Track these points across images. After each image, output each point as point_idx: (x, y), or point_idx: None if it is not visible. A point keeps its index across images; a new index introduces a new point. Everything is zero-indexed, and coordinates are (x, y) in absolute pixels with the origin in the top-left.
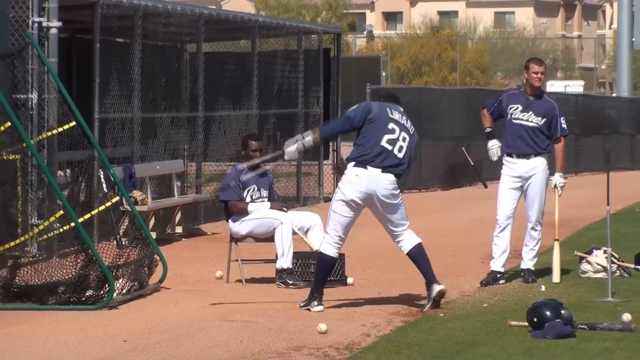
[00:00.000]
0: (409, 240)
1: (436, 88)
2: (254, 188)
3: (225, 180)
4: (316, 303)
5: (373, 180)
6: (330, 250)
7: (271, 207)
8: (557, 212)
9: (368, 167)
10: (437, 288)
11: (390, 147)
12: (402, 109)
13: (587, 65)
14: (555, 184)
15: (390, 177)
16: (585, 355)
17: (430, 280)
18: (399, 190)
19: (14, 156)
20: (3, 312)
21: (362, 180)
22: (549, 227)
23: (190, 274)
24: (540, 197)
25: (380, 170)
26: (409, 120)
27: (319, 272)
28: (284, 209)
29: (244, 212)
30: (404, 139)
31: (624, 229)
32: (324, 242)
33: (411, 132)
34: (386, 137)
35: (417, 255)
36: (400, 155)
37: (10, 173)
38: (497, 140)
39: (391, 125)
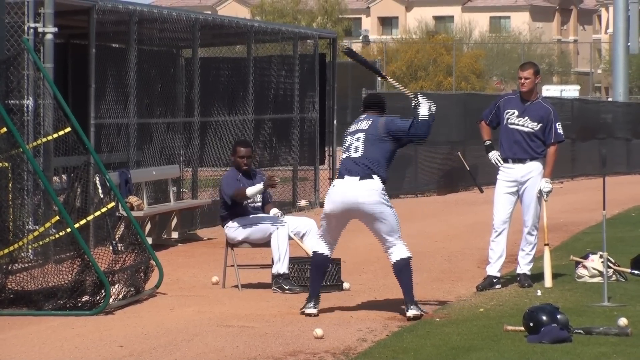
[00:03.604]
0: (396, 253)
1: (432, 93)
2: None
3: (224, 180)
4: (310, 305)
5: (350, 189)
6: (318, 247)
7: (264, 185)
8: (545, 217)
9: (345, 176)
10: (410, 313)
11: (346, 154)
12: (364, 116)
13: (582, 69)
14: (541, 189)
15: (369, 184)
16: None
17: (407, 301)
18: (384, 199)
19: (6, 163)
20: None
21: (338, 190)
22: (542, 231)
23: (186, 279)
24: (536, 202)
25: (357, 178)
26: (367, 120)
27: (310, 271)
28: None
29: (245, 198)
30: (357, 139)
31: (620, 233)
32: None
33: (366, 128)
34: (345, 154)
35: (400, 271)
36: (358, 155)
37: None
38: (496, 151)
39: (347, 142)
